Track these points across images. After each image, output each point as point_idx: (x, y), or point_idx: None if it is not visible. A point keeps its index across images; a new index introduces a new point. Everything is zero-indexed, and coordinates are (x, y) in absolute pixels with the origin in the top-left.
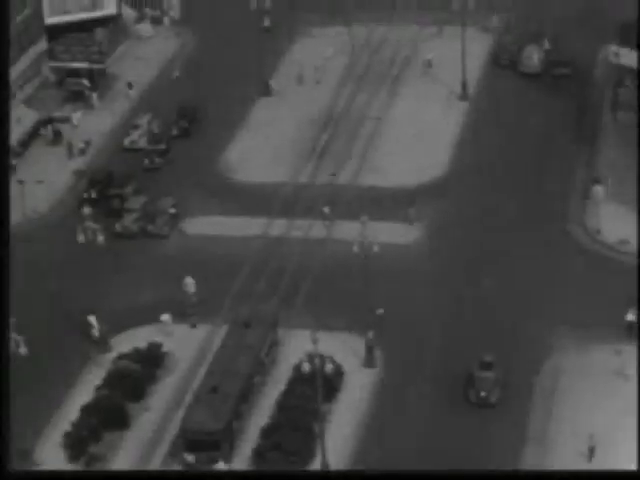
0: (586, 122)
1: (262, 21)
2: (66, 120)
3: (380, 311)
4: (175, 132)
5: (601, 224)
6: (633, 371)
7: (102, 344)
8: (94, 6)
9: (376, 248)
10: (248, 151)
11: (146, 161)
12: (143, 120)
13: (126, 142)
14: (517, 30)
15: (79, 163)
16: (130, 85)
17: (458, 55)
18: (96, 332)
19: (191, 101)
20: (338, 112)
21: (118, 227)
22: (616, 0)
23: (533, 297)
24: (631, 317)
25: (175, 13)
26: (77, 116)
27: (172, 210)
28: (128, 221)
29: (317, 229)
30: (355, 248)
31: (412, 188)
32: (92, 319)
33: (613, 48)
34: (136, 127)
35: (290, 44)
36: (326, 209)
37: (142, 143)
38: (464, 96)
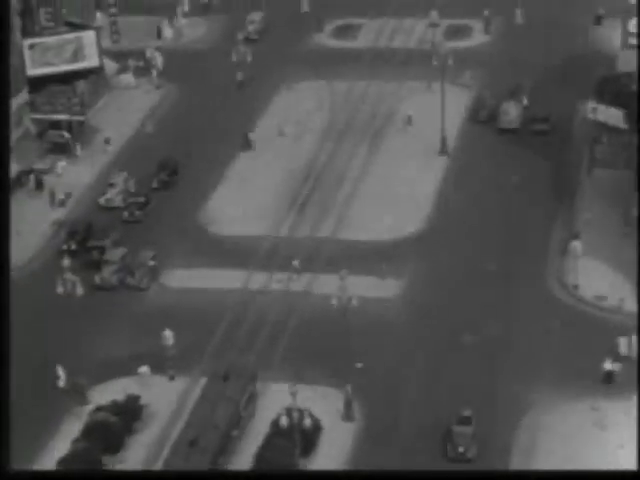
0: (564, 178)
1: (236, 75)
2: (47, 172)
3: (359, 365)
4: (155, 185)
5: (579, 280)
6: (611, 422)
7: (79, 396)
8: (76, 58)
9: (355, 302)
10: (228, 204)
11: (125, 214)
12: (119, 179)
13: (102, 201)
14: (495, 86)
15: (59, 214)
16: (107, 140)
17: (438, 111)
18: (62, 383)
19: (172, 153)
20: (318, 166)
21: (97, 279)
22: (593, 57)
23: (511, 352)
24: (609, 366)
25: (158, 64)
26: (62, 164)
27: (152, 263)
28: (107, 273)
29: (297, 282)
30: (334, 302)
31: (392, 243)
32: (59, 369)
33: (591, 104)
34: (112, 185)
35: (270, 99)
36: (295, 262)
37: (118, 202)
38: (443, 151)
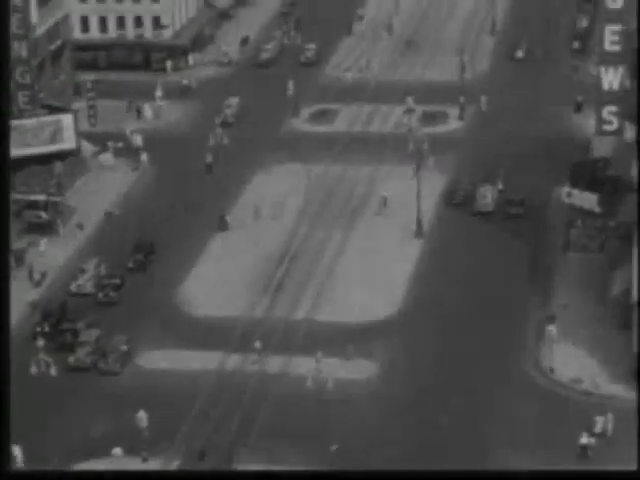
0: (539, 261)
1: (205, 158)
2: (26, 251)
3: (334, 447)
4: (131, 265)
5: (555, 363)
6: None
7: None
8: (53, 140)
9: (330, 383)
10: (204, 284)
11: (100, 295)
12: (90, 265)
13: (73, 287)
14: (471, 170)
15: (35, 294)
16: (80, 226)
17: (413, 193)
18: (20, 463)
19: (148, 234)
20: (294, 248)
21: (71, 360)
22: (568, 142)
23: (488, 433)
24: (584, 440)
25: (138, 144)
26: (44, 242)
27: (124, 347)
28: (81, 354)
29: (272, 363)
30: (309, 383)
31: (367, 324)
32: (16, 450)
33: (565, 189)
34: (83, 271)
35: (246, 181)
36: (257, 344)
37: (89, 288)
38: (419, 234)
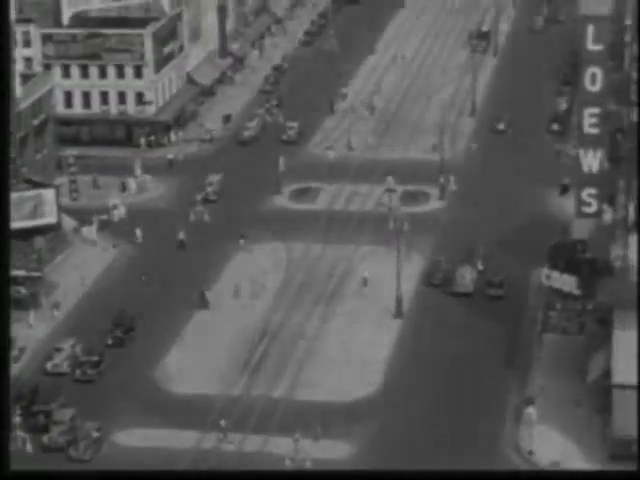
0: (518, 343)
1: (177, 234)
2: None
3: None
4: (110, 341)
5: (534, 446)
6: None
7: None
8: (35, 215)
9: (309, 464)
10: (183, 362)
11: (78, 372)
12: (67, 344)
13: (48, 366)
14: (450, 250)
15: (13, 370)
16: (57, 305)
17: (393, 273)
18: None
19: (127, 310)
20: (273, 326)
21: (45, 440)
22: (547, 224)
23: None
24: None
25: (121, 214)
26: (32, 316)
27: (96, 434)
28: (55, 434)
29: (250, 443)
30: (287, 463)
31: (345, 404)
32: None
33: (545, 271)
34: (59, 350)
35: (227, 258)
36: (222, 422)
37: (65, 367)
38: (398, 314)
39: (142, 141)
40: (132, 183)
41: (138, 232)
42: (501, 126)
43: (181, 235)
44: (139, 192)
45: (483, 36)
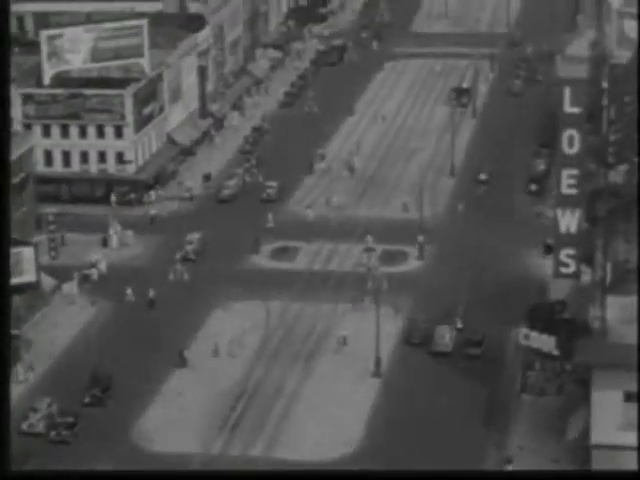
0: (497, 403)
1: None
2: None
3: None
4: (88, 400)
5: None
6: None
7: None
8: (13, 273)
9: None
10: (161, 421)
11: (52, 434)
12: (42, 404)
13: (24, 426)
14: (429, 309)
15: None
16: (31, 367)
17: (372, 332)
18: None
19: (106, 369)
20: (252, 385)
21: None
22: (525, 284)
23: None
24: None
25: (102, 268)
26: (22, 370)
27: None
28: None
29: None
30: None
31: (324, 464)
32: None
33: (524, 331)
34: (35, 410)
35: (206, 317)
36: None
37: (40, 428)
38: (377, 373)
39: (113, 198)
40: (114, 237)
41: (129, 291)
42: (480, 188)
43: (151, 294)
44: (120, 248)
45: (464, 92)
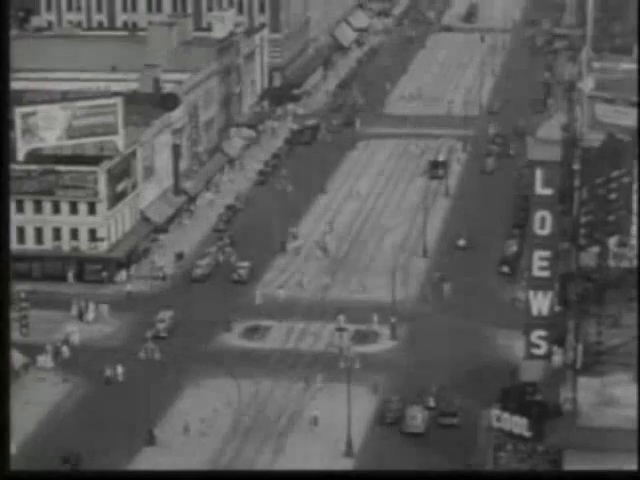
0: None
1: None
2: None
3: None
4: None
5: None
6: None
7: None
8: None
9: None
10: None
11: None
12: None
13: None
14: (402, 390)
15: None
16: None
17: (344, 413)
18: None
19: (74, 448)
20: (222, 465)
21: None
22: (497, 366)
23: None
24: None
25: (75, 340)
26: None
27: None
28: None
29: None
30: None
31: None
32: None
33: (495, 412)
34: None
35: (177, 392)
36: None
37: None
38: (349, 453)
39: (70, 275)
40: (90, 311)
41: (119, 369)
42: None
43: (108, 372)
44: (94, 322)
45: (440, 165)
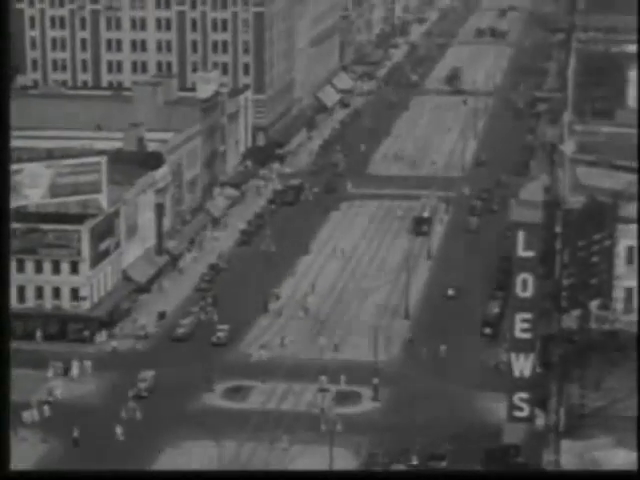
0: None
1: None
2: None
3: None
4: None
5: None
6: None
7: None
8: None
9: None
10: None
11: None
12: None
13: None
14: (385, 450)
15: None
16: None
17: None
18: None
19: None
20: None
21: None
22: (479, 428)
23: None
24: None
25: (58, 395)
26: None
27: None
28: None
29: None
30: None
31: None
32: None
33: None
34: None
35: (155, 457)
36: None
37: None
38: None
39: (37, 334)
40: (74, 368)
41: (118, 429)
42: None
43: (75, 433)
44: (77, 379)
45: (424, 221)
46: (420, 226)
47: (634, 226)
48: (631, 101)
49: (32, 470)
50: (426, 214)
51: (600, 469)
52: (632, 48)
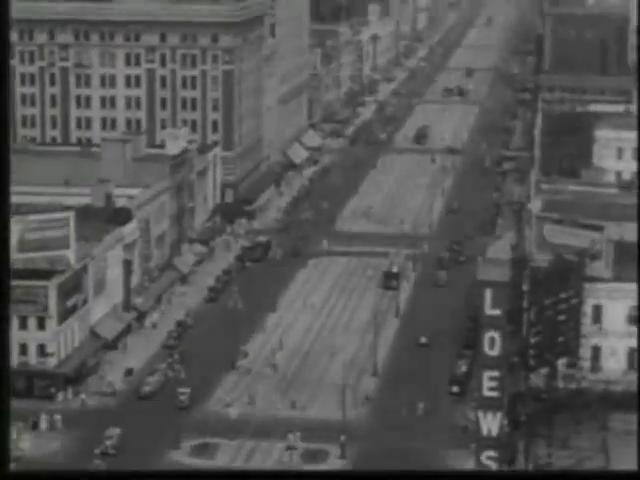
0: None
1: None
2: None
3: None
4: None
5: None
6: None
7: None
8: None
9: None
10: None
11: None
12: None
13: None
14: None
15: None
16: None
17: None
18: None
19: None
20: None
21: None
22: None
23: None
24: None
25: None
26: None
27: None
28: None
29: None
30: None
31: None
32: None
33: None
34: None
35: None
36: None
37: None
38: None
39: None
40: (43, 422)
41: None
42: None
43: None
44: (48, 432)
45: (393, 276)
46: (389, 280)
47: (601, 285)
48: (596, 160)
49: (32, 470)
50: (395, 269)
51: (600, 469)
52: (597, 107)
